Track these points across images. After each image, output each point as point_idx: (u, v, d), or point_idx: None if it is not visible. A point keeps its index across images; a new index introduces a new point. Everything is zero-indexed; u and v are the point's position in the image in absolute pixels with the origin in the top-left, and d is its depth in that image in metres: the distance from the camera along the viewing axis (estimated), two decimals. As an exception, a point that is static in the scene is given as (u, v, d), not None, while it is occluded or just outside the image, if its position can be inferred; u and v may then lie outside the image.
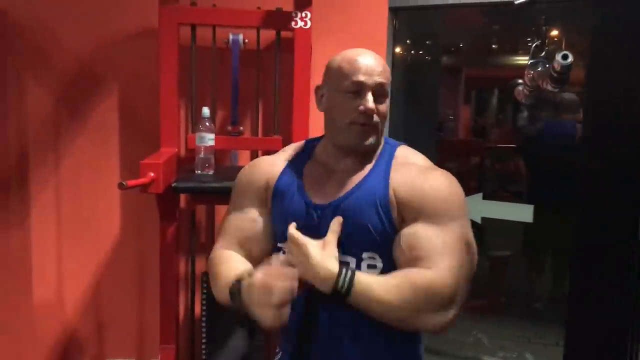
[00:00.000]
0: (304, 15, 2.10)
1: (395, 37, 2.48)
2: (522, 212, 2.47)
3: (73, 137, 2.40)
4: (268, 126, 2.35)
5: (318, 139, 1.49)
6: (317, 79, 2.26)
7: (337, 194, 1.35)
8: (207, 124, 2.08)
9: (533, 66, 2.16)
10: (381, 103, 1.35)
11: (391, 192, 1.31)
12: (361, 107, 1.32)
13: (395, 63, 2.50)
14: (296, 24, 2.11)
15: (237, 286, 1.24)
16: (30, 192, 2.42)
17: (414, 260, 1.25)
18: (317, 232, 1.30)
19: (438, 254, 1.25)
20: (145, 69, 2.27)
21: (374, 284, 1.22)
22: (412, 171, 1.34)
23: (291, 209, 1.36)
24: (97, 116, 2.39)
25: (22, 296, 2.44)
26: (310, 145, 1.49)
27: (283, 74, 2.22)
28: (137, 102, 2.37)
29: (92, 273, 2.44)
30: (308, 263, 1.22)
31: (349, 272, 1.21)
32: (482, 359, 3.36)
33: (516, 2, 1.97)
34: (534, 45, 2.08)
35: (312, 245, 1.23)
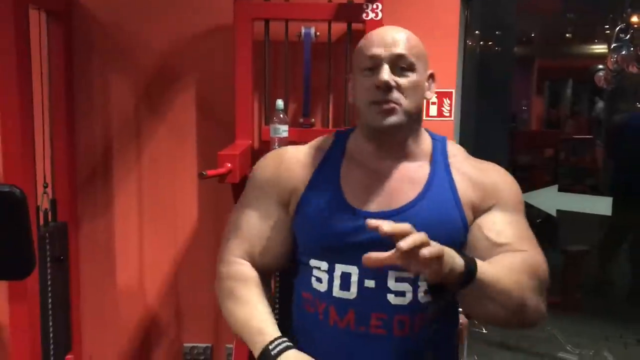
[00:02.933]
0: (375, 6, 2.11)
1: (467, 28, 2.46)
2: (600, 205, 2.40)
3: (153, 131, 2.51)
4: (338, 117, 2.38)
5: (351, 130, 1.35)
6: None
7: (396, 201, 1.20)
8: (281, 115, 2.13)
9: (617, 50, 2.09)
10: (403, 77, 1.19)
11: (464, 199, 1.22)
12: (376, 81, 1.18)
13: (465, 54, 2.47)
14: (367, 15, 2.12)
15: (270, 352, 1.16)
16: (114, 184, 2.54)
17: (502, 246, 1.18)
18: (366, 245, 1.05)
19: (525, 239, 1.21)
20: (220, 64, 2.35)
21: (490, 266, 1.08)
22: (473, 169, 1.27)
23: (329, 219, 1.20)
24: (175, 110, 2.48)
25: (107, 282, 2.57)
26: (342, 138, 1.33)
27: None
28: (213, 96, 2.44)
29: (171, 261, 2.54)
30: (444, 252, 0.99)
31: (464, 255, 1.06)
32: (557, 356, 3.27)
33: None
34: (617, 28, 2.01)
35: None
